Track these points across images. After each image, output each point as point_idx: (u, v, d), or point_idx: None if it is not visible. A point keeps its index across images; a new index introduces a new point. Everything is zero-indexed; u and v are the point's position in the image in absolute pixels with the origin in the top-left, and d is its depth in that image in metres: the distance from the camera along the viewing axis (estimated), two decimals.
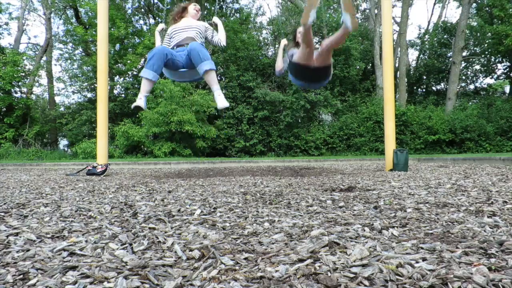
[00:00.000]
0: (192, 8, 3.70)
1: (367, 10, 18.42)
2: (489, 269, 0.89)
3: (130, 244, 1.20)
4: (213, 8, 15.37)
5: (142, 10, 15.82)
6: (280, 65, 3.91)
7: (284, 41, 4.01)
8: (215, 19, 3.75)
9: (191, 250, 1.13)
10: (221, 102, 3.36)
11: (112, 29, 11.93)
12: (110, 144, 11.52)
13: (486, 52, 15.54)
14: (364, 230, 1.35)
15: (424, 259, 0.98)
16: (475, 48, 16.24)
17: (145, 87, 3.34)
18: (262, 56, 12.72)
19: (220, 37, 3.72)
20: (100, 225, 1.50)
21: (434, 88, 17.27)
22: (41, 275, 0.91)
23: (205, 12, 15.29)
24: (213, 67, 3.31)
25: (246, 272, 0.93)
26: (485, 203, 1.84)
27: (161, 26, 3.83)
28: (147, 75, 3.28)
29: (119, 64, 12.95)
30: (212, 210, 1.83)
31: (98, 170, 4.73)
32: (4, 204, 2.02)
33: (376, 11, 14.99)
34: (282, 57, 3.94)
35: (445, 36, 16.63)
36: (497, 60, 15.79)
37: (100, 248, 1.16)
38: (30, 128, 13.39)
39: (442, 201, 1.94)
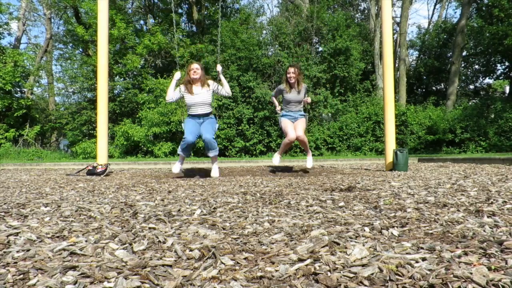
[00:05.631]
0: (192, 74, 4.15)
1: (367, 10, 18.42)
2: (489, 269, 0.89)
3: (130, 244, 1.20)
4: (213, 8, 15.38)
5: (142, 10, 15.82)
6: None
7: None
8: (218, 68, 4.27)
9: (191, 250, 1.13)
10: (215, 173, 4.38)
11: (112, 29, 11.93)
12: (110, 144, 11.51)
13: (486, 52, 15.53)
14: (364, 230, 1.35)
15: (424, 259, 0.98)
16: (475, 48, 16.24)
17: (181, 159, 4.32)
18: (262, 56, 12.68)
19: (226, 90, 4.29)
20: (100, 225, 1.50)
21: (434, 88, 17.26)
22: (41, 275, 0.91)
23: (205, 12, 15.29)
24: (216, 154, 4.42)
25: (246, 272, 0.93)
26: (485, 203, 1.84)
27: (178, 75, 4.29)
28: (183, 153, 4.22)
29: (119, 64, 12.95)
30: (212, 210, 1.83)
31: (98, 170, 4.73)
32: (4, 204, 2.02)
33: (376, 10, 14.99)
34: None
35: (445, 36, 16.63)
36: (496, 60, 15.78)
37: (100, 248, 1.16)
38: (30, 128, 13.39)
39: (442, 201, 1.94)
